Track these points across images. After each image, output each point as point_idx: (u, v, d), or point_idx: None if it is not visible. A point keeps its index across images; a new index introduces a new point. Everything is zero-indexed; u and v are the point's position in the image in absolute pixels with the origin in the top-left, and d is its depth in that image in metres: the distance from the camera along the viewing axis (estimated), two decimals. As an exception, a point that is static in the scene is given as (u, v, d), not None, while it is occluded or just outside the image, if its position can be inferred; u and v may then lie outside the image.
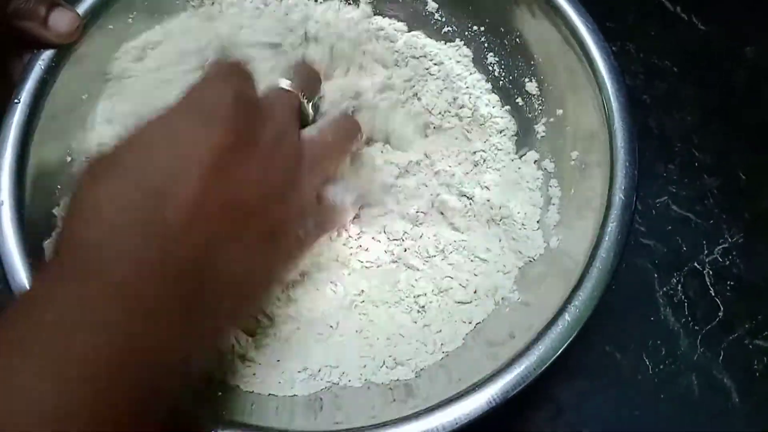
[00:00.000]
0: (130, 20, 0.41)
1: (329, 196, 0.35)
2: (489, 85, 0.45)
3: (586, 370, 0.44)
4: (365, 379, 0.36)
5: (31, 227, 0.34)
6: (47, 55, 0.37)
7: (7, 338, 0.21)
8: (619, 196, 0.33)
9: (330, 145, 0.35)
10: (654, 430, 0.43)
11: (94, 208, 0.25)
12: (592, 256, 0.32)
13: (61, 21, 0.37)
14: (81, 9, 0.38)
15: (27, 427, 0.19)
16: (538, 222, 0.41)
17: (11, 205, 0.34)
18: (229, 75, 0.30)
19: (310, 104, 0.36)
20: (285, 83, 0.35)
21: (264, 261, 0.30)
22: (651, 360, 0.44)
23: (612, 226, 0.33)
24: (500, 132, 0.43)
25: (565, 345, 0.30)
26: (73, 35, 0.37)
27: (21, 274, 0.32)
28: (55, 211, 0.37)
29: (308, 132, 0.35)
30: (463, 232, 0.41)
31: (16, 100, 0.36)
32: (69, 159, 0.39)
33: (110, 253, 0.23)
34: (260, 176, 0.29)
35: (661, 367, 0.44)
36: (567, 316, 0.31)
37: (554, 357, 0.30)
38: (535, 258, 0.39)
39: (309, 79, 0.38)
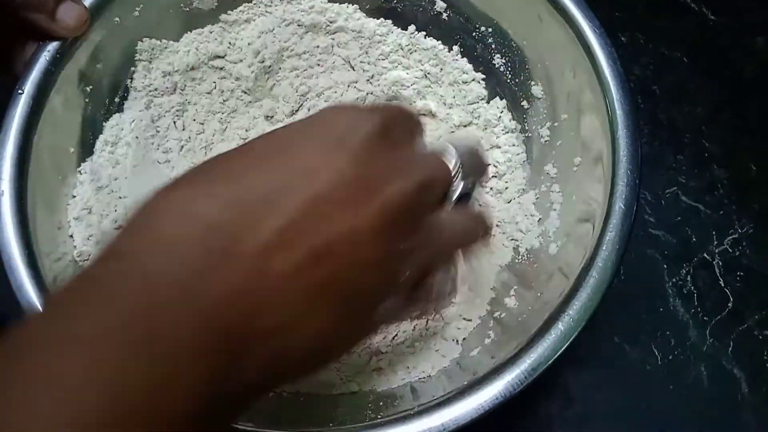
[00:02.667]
0: (136, 13, 0.41)
1: (431, 288, 0.29)
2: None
3: (595, 361, 0.44)
4: (372, 386, 0.36)
5: (32, 218, 0.34)
6: (52, 46, 0.37)
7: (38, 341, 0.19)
8: (619, 205, 0.33)
9: (458, 237, 0.29)
10: (663, 420, 0.43)
11: (157, 218, 0.21)
12: (589, 266, 0.32)
13: (69, 14, 0.37)
14: (87, 1, 0.38)
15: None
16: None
17: (12, 196, 0.34)
18: (382, 108, 0.26)
19: (460, 191, 0.29)
20: (451, 152, 0.28)
21: (324, 331, 0.23)
22: (660, 350, 0.44)
23: (610, 235, 0.32)
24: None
25: (558, 353, 0.30)
26: (81, 29, 0.37)
27: (19, 265, 0.32)
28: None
29: (442, 215, 0.28)
30: None
31: (20, 91, 0.36)
32: (71, 150, 0.39)
33: (150, 283, 0.20)
34: (364, 233, 0.23)
35: (671, 357, 0.44)
36: (560, 326, 0.30)
37: (546, 365, 0.30)
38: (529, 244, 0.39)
39: (473, 166, 0.30)
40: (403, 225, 0.24)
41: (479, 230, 0.30)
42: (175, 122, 0.43)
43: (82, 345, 0.18)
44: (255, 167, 0.23)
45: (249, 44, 0.44)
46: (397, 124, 0.26)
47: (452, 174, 0.28)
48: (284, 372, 0.24)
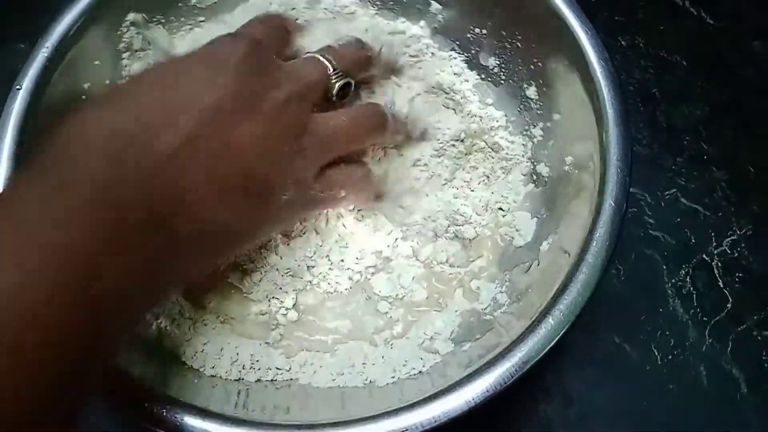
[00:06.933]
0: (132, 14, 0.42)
1: (331, 178, 0.34)
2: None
3: (595, 361, 0.44)
4: (367, 380, 0.37)
5: None
6: (50, 43, 0.38)
7: None
8: (609, 203, 0.33)
9: (345, 129, 0.34)
10: (662, 420, 0.43)
11: (79, 129, 0.25)
12: (579, 262, 0.32)
13: None
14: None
15: None
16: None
17: None
18: (257, 26, 0.32)
19: (339, 84, 0.34)
20: (321, 55, 0.34)
21: (236, 218, 0.29)
22: (660, 351, 0.44)
23: (601, 231, 0.33)
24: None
25: (549, 347, 0.30)
26: None
27: None
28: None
29: (326, 113, 0.33)
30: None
31: (17, 87, 0.36)
32: None
33: (85, 170, 0.23)
34: (255, 134, 0.28)
35: (670, 357, 0.44)
36: (551, 320, 0.31)
37: (536, 359, 0.30)
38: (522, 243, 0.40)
39: (352, 60, 0.36)
40: (285, 129, 0.30)
41: (372, 120, 0.35)
42: None
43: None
44: (149, 89, 0.27)
45: None
46: (271, 39, 0.32)
47: (328, 75, 0.33)
48: (209, 248, 0.29)
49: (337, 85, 0.34)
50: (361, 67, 0.37)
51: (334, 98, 0.34)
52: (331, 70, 0.34)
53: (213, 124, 0.27)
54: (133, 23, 0.42)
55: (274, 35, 0.33)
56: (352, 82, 0.35)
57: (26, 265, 0.20)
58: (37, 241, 0.21)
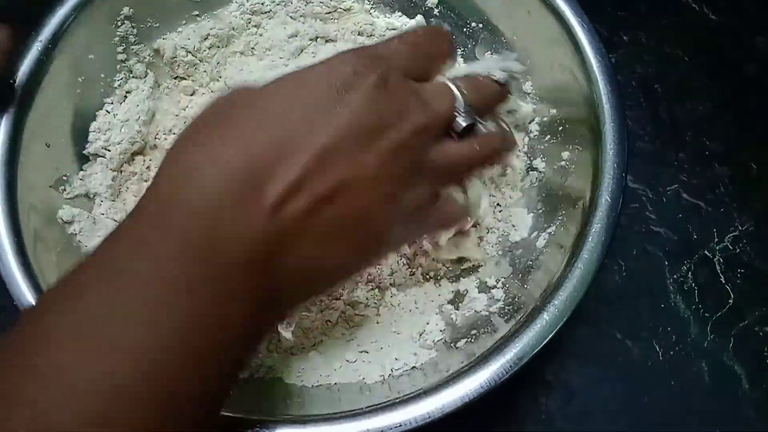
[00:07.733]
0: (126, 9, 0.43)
1: (446, 204, 0.32)
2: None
3: (597, 357, 0.44)
4: (361, 376, 0.37)
5: (23, 206, 0.35)
6: (45, 36, 0.38)
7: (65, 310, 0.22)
8: (605, 198, 0.34)
9: (475, 157, 0.30)
10: (664, 415, 0.43)
11: (192, 166, 0.24)
12: (575, 257, 0.33)
13: None
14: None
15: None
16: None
17: (3, 186, 0.35)
18: (402, 45, 0.28)
19: (465, 125, 0.29)
20: (449, 92, 0.29)
21: (343, 261, 0.27)
22: (661, 346, 0.45)
23: (596, 227, 0.33)
24: None
25: (543, 343, 0.30)
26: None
27: (8, 252, 0.33)
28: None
29: (446, 145, 0.29)
30: None
31: (11, 80, 0.37)
32: (63, 140, 0.40)
33: (195, 220, 0.23)
34: (373, 176, 0.26)
35: (672, 353, 0.44)
36: (546, 316, 0.31)
37: (531, 355, 0.30)
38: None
39: (485, 98, 0.32)
40: (400, 166, 0.27)
41: (486, 154, 0.31)
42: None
43: (148, 275, 0.23)
44: (265, 121, 0.25)
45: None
46: (401, 67, 0.28)
47: (452, 111, 0.29)
48: (312, 288, 0.28)
49: (463, 125, 0.29)
50: (491, 108, 0.33)
51: (454, 136, 0.30)
52: (462, 106, 0.30)
53: (329, 164, 0.25)
54: (127, 17, 0.42)
55: (421, 63, 0.29)
56: (479, 125, 0.31)
57: (130, 320, 0.22)
58: (139, 295, 0.22)
